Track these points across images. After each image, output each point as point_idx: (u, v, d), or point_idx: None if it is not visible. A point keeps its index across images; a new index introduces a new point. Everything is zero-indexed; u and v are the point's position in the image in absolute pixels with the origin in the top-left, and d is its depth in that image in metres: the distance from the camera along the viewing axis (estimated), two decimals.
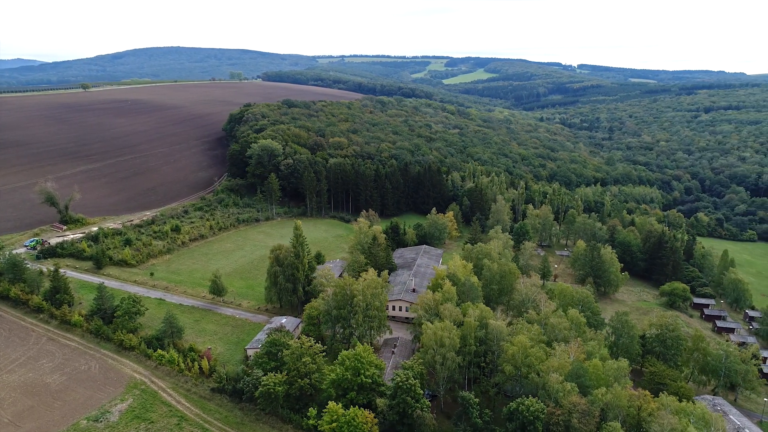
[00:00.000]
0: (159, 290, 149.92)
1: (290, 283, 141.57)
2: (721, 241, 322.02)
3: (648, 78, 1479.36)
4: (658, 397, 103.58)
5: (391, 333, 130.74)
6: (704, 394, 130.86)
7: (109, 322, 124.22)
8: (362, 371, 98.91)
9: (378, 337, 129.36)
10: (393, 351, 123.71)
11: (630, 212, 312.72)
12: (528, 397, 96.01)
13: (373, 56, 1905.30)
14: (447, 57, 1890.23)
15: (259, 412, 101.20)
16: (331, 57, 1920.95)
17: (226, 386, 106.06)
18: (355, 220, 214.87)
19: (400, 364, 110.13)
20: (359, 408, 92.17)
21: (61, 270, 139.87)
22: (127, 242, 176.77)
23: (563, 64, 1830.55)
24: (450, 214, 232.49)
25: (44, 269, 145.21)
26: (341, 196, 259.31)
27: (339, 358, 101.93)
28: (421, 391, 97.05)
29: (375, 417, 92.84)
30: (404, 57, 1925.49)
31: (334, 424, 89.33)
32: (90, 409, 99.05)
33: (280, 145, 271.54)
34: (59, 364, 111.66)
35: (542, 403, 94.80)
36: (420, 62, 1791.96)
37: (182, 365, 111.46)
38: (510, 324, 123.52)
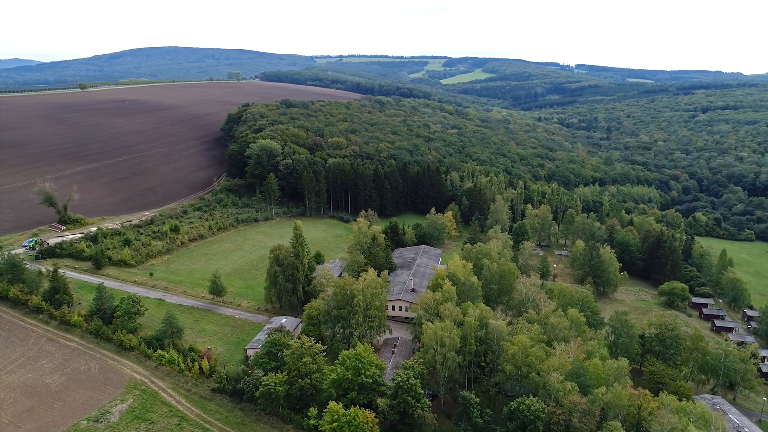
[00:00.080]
0: (158, 290, 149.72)
1: (290, 283, 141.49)
2: (719, 241, 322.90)
3: (645, 78, 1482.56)
4: (657, 396, 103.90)
5: (390, 333, 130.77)
6: (703, 393, 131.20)
7: (109, 323, 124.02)
8: (363, 371, 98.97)
9: (378, 337, 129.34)
10: (393, 351, 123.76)
11: (628, 212, 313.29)
12: (528, 397, 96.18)
13: (371, 56, 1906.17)
14: (445, 57, 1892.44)
15: (260, 413, 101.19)
16: (329, 57, 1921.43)
17: (227, 386, 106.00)
18: (354, 220, 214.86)
19: (401, 363, 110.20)
20: (360, 408, 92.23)
21: (60, 270, 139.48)
22: (126, 242, 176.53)
23: (561, 64, 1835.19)
24: (449, 214, 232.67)
25: (43, 269, 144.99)
26: (340, 196, 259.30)
27: (339, 358, 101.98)
28: (422, 391, 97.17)
29: (376, 417, 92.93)
30: (402, 57, 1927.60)
31: (334, 424, 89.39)
32: (90, 410, 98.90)
33: (278, 145, 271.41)
34: (59, 365, 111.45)
35: (543, 403, 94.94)
36: (418, 62, 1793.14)
37: (182, 365, 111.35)
38: (510, 324, 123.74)
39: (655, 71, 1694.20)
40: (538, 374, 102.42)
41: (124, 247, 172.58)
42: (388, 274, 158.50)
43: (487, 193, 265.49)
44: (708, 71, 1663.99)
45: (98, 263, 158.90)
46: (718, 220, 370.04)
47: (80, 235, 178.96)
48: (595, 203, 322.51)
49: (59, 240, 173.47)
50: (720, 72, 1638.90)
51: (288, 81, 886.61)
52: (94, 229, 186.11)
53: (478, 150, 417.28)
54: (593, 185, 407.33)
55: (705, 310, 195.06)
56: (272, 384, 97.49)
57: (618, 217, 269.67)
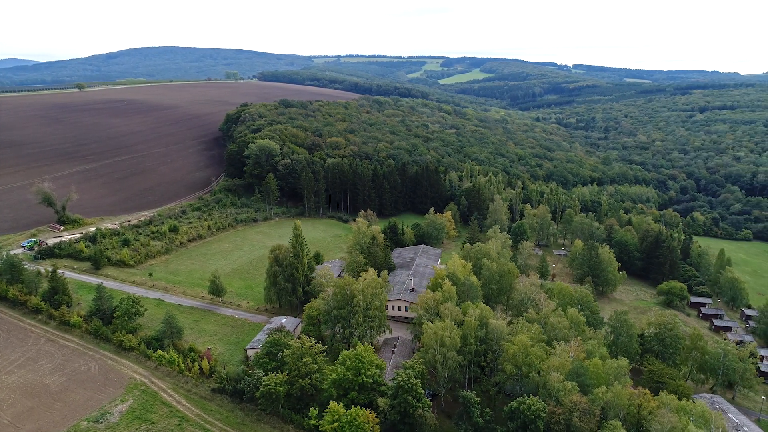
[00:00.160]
0: (158, 291, 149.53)
1: (290, 283, 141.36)
2: (717, 240, 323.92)
3: (643, 78, 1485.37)
4: (657, 395, 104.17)
5: (390, 333, 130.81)
6: (702, 392, 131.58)
7: (108, 323, 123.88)
8: (363, 371, 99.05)
9: (378, 337, 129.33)
10: (393, 351, 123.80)
11: (627, 212, 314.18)
12: (529, 396, 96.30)
13: (369, 56, 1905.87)
14: (443, 57, 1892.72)
15: (260, 413, 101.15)
16: (327, 57, 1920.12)
17: (227, 386, 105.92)
18: (353, 220, 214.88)
19: (401, 363, 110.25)
20: (360, 408, 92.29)
21: (59, 270, 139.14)
22: (125, 243, 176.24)
23: (559, 64, 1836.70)
24: (448, 213, 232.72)
25: (42, 270, 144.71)
26: (339, 196, 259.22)
27: (340, 358, 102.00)
28: (422, 391, 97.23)
29: (376, 417, 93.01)
30: (400, 57, 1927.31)
31: (335, 424, 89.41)
32: (90, 410, 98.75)
33: (277, 145, 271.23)
34: (58, 365, 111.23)
35: (543, 402, 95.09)
36: (416, 62, 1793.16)
37: (182, 366, 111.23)
38: (510, 323, 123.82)
39: (653, 71, 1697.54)
40: (539, 374, 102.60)
41: (123, 247, 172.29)
42: (388, 274, 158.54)
43: (485, 193, 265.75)
44: (705, 71, 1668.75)
45: (97, 263, 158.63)
46: (715, 220, 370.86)
47: (79, 236, 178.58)
48: (594, 203, 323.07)
49: (58, 240, 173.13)
50: (717, 72, 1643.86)
51: (286, 81, 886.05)
52: (92, 229, 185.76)
53: (476, 150, 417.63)
54: (591, 185, 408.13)
55: (703, 310, 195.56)
56: (273, 384, 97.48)
57: (616, 217, 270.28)
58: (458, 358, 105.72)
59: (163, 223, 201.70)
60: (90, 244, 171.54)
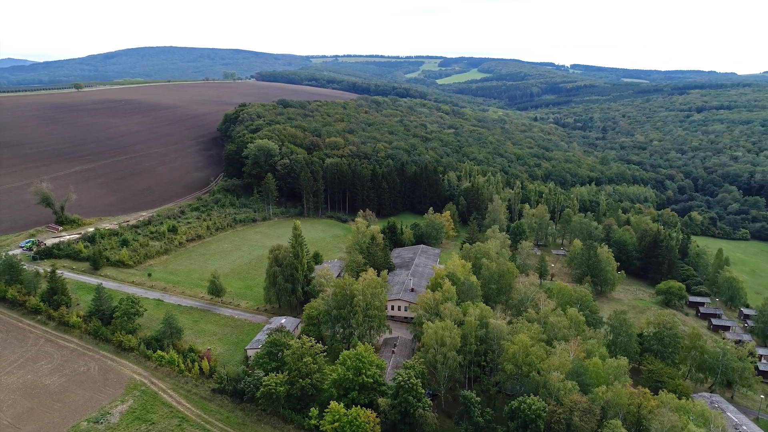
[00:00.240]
0: (157, 291, 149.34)
1: (289, 284, 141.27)
2: (715, 240, 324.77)
3: (640, 78, 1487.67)
4: (657, 395, 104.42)
5: (390, 333, 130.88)
6: (701, 391, 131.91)
7: (108, 323, 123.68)
8: (363, 371, 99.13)
9: (378, 337, 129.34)
10: (393, 350, 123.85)
11: (625, 211, 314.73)
12: (529, 396, 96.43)
13: (366, 56, 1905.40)
14: (440, 57, 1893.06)
15: (261, 413, 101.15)
16: (324, 57, 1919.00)
17: (227, 387, 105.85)
18: (352, 220, 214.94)
19: (401, 363, 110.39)
20: (361, 408, 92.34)
21: (58, 271, 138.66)
22: (124, 243, 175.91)
23: (556, 64, 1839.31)
24: (447, 213, 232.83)
25: (41, 270, 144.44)
26: (338, 196, 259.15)
27: (340, 357, 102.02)
28: (423, 391, 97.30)
29: (377, 416, 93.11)
30: (398, 57, 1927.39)
31: (336, 424, 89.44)
32: (90, 411, 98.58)
33: (276, 145, 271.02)
34: (58, 366, 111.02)
35: (543, 402, 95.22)
36: (414, 62, 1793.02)
37: (182, 366, 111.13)
38: (510, 323, 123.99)
39: (650, 71, 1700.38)
40: (539, 373, 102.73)
41: (122, 247, 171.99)
42: (387, 273, 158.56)
43: (484, 192, 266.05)
44: (702, 71, 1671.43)
45: (96, 264, 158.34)
46: (713, 220, 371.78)
47: (78, 236, 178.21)
48: (592, 203, 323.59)
49: (56, 241, 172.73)
50: (714, 72, 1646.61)
51: (284, 81, 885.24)
52: (91, 229, 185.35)
53: (475, 150, 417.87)
54: (590, 185, 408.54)
55: (702, 309, 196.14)
56: (273, 384, 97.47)
57: (615, 217, 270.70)
58: (458, 358, 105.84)
59: (161, 223, 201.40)
60: (89, 244, 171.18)
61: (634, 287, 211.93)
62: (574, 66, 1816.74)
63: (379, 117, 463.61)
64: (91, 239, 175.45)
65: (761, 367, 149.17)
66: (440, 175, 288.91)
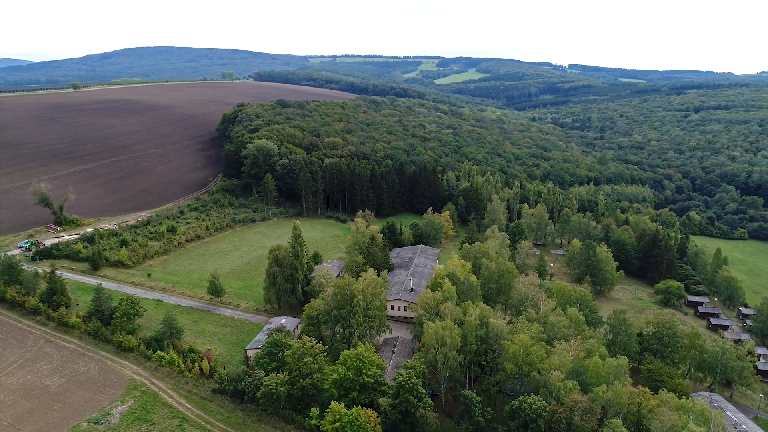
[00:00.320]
0: (156, 291, 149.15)
1: (289, 284, 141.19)
2: (713, 240, 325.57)
3: (638, 78, 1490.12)
4: (656, 394, 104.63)
5: (390, 332, 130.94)
6: (701, 390, 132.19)
7: (107, 324, 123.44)
8: (364, 371, 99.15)
9: (378, 337, 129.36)
10: (393, 350, 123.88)
11: (623, 211, 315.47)
12: (530, 395, 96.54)
13: (364, 56, 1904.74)
14: (438, 57, 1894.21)
15: (261, 413, 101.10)
16: (322, 57, 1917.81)
17: (227, 387, 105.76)
18: (351, 220, 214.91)
19: (402, 363, 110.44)
20: (362, 407, 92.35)
21: (57, 271, 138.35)
22: (123, 243, 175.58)
23: (554, 64, 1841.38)
24: (446, 213, 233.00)
25: (40, 271, 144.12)
26: (337, 196, 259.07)
27: (341, 357, 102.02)
28: (424, 390, 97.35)
29: (377, 416, 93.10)
30: (396, 57, 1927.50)
31: (336, 424, 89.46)
32: (90, 411, 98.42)
33: (275, 145, 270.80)
34: (58, 366, 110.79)
35: (544, 401, 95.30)
36: (411, 62, 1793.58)
37: (182, 366, 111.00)
38: (510, 323, 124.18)
39: (647, 71, 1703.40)
40: (539, 373, 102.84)
41: (121, 247, 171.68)
42: (387, 273, 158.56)
43: (483, 192, 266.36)
44: (699, 71, 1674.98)
45: (95, 264, 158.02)
46: (711, 219, 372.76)
47: (76, 236, 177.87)
48: (591, 202, 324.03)
49: (55, 241, 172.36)
50: (711, 72, 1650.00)
51: (282, 81, 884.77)
52: (90, 229, 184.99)
53: (473, 150, 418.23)
54: (588, 185, 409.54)
55: (700, 309, 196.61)
56: (273, 384, 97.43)
57: (613, 217, 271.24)
58: (459, 358, 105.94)
59: (160, 223, 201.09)
60: (88, 244, 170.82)
61: (632, 287, 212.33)
62: (571, 66, 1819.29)
63: (378, 117, 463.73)
64: (90, 239, 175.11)
65: (760, 366, 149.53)
66: (439, 175, 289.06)
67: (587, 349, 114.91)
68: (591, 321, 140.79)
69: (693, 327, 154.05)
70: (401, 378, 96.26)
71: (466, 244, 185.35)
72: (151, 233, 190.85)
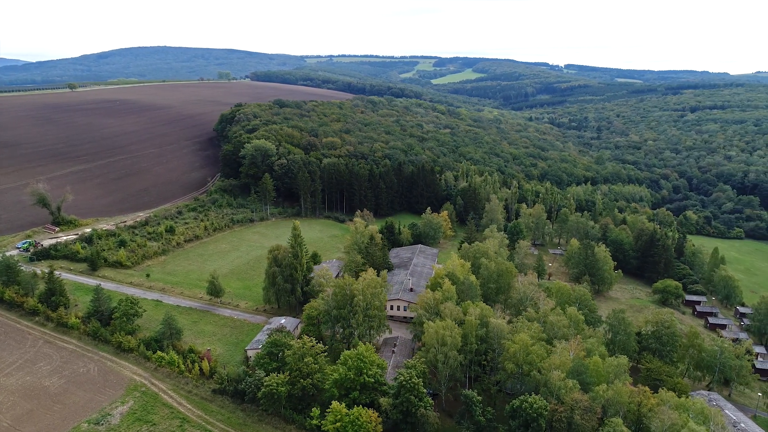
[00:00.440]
0: (155, 291, 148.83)
1: (288, 284, 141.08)
2: (710, 239, 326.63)
3: (634, 78, 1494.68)
4: (656, 393, 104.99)
5: (390, 332, 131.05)
6: (699, 389, 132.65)
7: (107, 324, 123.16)
8: (365, 371, 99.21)
9: (378, 337, 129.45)
10: (393, 350, 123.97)
11: (621, 211, 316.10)
12: (530, 395, 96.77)
13: (361, 56, 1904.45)
14: (435, 57, 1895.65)
15: (262, 413, 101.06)
16: (319, 57, 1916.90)
17: (228, 387, 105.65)
18: (350, 220, 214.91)
19: (402, 363, 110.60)
20: (362, 407, 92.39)
21: (56, 272, 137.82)
22: (122, 243, 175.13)
23: (550, 64, 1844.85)
24: (444, 213, 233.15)
25: (38, 271, 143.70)
26: (335, 196, 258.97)
27: (341, 357, 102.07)
28: (424, 390, 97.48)
29: (378, 416, 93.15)
30: (393, 57, 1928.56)
31: (338, 424, 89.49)
32: (90, 412, 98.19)
33: (273, 145, 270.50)
34: (57, 367, 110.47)
35: (544, 401, 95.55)
36: (408, 62, 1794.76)
37: (182, 367, 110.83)
38: (509, 322, 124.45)
39: (644, 71, 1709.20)
40: (540, 372, 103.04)
41: (120, 248, 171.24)
42: (386, 273, 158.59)
43: (481, 192, 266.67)
44: (695, 71, 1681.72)
45: (94, 265, 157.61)
46: (708, 219, 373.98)
47: (75, 237, 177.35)
48: (588, 202, 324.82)
49: (53, 241, 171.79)
50: (707, 72, 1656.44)
51: (279, 81, 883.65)
52: (88, 230, 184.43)
53: (471, 150, 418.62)
54: (585, 184, 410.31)
55: (698, 308, 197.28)
56: (274, 384, 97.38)
57: (611, 216, 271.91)
58: (459, 357, 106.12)
59: (159, 223, 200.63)
60: (86, 245, 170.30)
61: (631, 286, 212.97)
62: (568, 66, 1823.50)
63: (376, 117, 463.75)
64: (88, 240, 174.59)
65: (758, 365, 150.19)
66: (437, 175, 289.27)
67: (587, 348, 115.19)
68: (590, 320, 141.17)
69: (691, 326, 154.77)
70: (402, 378, 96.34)
71: (466, 244, 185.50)
72: (149, 233, 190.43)
